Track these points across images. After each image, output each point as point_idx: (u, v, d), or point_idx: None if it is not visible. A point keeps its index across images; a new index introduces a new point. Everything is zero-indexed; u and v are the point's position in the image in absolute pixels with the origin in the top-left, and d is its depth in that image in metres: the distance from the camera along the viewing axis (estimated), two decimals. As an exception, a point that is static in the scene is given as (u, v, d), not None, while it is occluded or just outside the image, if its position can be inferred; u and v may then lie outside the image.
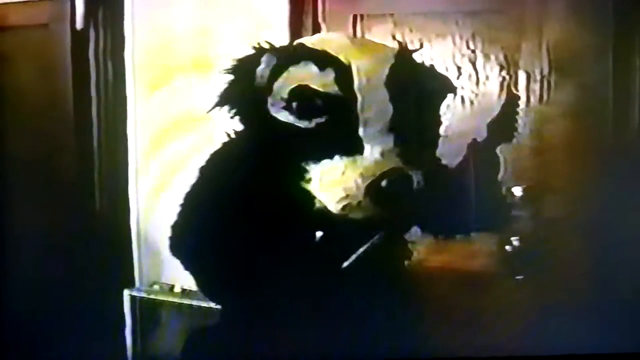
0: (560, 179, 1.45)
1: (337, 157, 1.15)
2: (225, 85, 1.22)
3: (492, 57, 1.44)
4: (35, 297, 1.53)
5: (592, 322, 1.39)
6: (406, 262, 1.33)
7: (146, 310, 1.54)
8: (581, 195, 1.44)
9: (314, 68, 1.15)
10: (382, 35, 1.46)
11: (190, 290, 1.48)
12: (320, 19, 1.50)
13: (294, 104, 1.15)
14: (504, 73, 1.44)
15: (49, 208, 1.56)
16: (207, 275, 1.31)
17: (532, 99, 1.43)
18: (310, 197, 1.16)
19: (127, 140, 1.55)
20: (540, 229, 1.44)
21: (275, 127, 1.17)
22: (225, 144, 1.27)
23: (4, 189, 1.55)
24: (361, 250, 1.24)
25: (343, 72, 1.15)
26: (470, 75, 1.44)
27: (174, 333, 1.50)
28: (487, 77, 1.45)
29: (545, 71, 1.43)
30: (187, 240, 1.29)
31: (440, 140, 1.27)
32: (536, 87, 1.43)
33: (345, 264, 1.25)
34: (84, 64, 1.58)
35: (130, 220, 1.54)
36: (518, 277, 1.43)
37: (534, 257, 1.43)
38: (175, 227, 1.29)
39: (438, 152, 1.26)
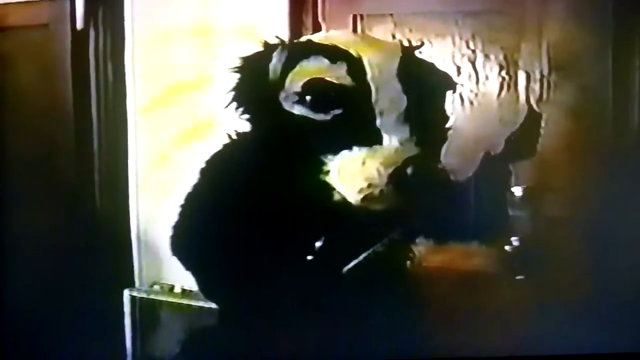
0: (560, 179, 1.44)
1: (355, 148, 1.15)
2: (235, 83, 1.23)
3: (492, 57, 1.44)
4: (35, 297, 1.53)
5: (592, 322, 1.39)
6: (408, 263, 1.33)
7: (146, 310, 1.54)
8: (581, 196, 1.44)
9: (325, 61, 1.16)
10: (382, 35, 1.47)
11: (191, 291, 1.48)
12: (320, 18, 1.50)
13: (308, 97, 1.16)
14: (503, 73, 1.44)
15: (49, 208, 1.56)
16: (208, 275, 1.31)
17: (531, 98, 1.43)
18: (328, 190, 1.17)
19: (127, 140, 1.55)
20: (540, 229, 1.44)
21: (289, 121, 1.18)
22: (226, 145, 1.28)
23: (4, 189, 1.55)
24: (362, 256, 1.25)
25: (355, 64, 1.15)
26: (470, 75, 1.45)
27: (174, 333, 1.50)
28: (486, 77, 1.45)
29: (545, 71, 1.43)
30: (188, 240, 1.29)
31: (451, 146, 1.27)
32: (536, 87, 1.43)
33: (347, 267, 1.25)
34: (84, 64, 1.58)
35: (130, 220, 1.54)
36: (518, 278, 1.42)
37: (533, 257, 1.43)
38: (176, 227, 1.30)
39: (448, 165, 1.27)
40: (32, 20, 1.59)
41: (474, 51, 1.44)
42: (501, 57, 1.44)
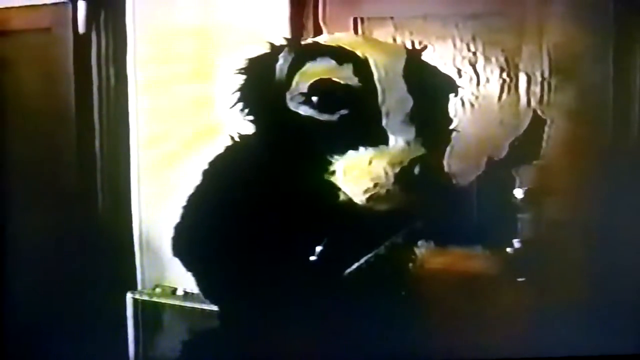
0: (562, 181, 1.45)
1: (362, 148, 1.16)
2: (241, 84, 1.23)
3: (493, 59, 1.45)
4: (37, 299, 1.53)
5: (594, 323, 1.39)
6: (410, 265, 1.33)
7: (149, 313, 1.54)
8: (583, 198, 1.44)
9: (332, 62, 1.17)
10: (383, 38, 1.47)
11: (193, 293, 1.48)
12: (321, 22, 1.50)
13: (315, 98, 1.17)
14: (504, 75, 1.45)
15: (52, 211, 1.56)
16: (208, 276, 1.31)
17: (532, 101, 1.44)
18: (333, 190, 1.17)
19: (129, 143, 1.55)
20: (542, 231, 1.44)
21: (295, 121, 1.19)
22: (229, 147, 1.28)
23: (7, 192, 1.56)
24: (364, 259, 1.25)
25: (362, 65, 1.16)
26: (471, 78, 1.45)
27: (177, 336, 1.50)
28: (487, 80, 1.45)
29: (546, 73, 1.43)
30: (190, 241, 1.30)
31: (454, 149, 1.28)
32: (537, 89, 1.44)
33: (349, 269, 1.25)
34: (86, 68, 1.58)
35: (132, 223, 1.54)
36: (520, 279, 1.43)
37: (535, 259, 1.43)
38: (178, 228, 1.30)
39: (451, 168, 1.28)
40: (35, 24, 1.59)
41: (474, 54, 1.45)
42: (502, 59, 1.44)
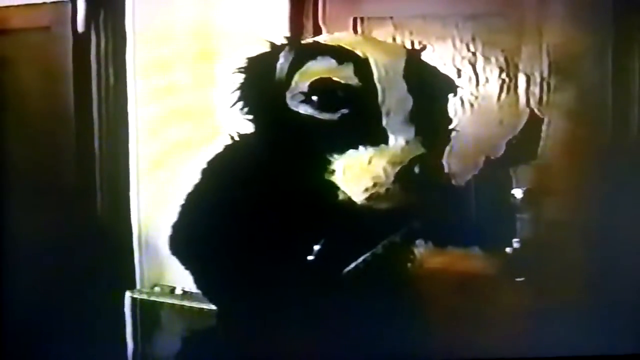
0: (561, 182, 1.45)
1: (362, 148, 1.16)
2: (241, 83, 1.23)
3: (492, 59, 1.45)
4: (35, 299, 1.53)
5: (594, 323, 1.39)
6: (408, 265, 1.33)
7: (147, 312, 1.54)
8: (582, 198, 1.44)
9: (332, 62, 1.17)
10: (383, 37, 1.47)
11: (191, 292, 1.48)
12: (320, 21, 1.50)
13: (315, 97, 1.17)
14: (504, 75, 1.45)
15: (50, 210, 1.56)
16: (206, 274, 1.31)
17: (532, 101, 1.44)
18: (332, 190, 1.17)
19: (128, 142, 1.55)
20: (541, 231, 1.44)
21: (295, 121, 1.19)
22: (228, 145, 1.28)
23: (5, 191, 1.55)
24: (362, 258, 1.25)
25: (362, 65, 1.17)
26: (470, 78, 1.45)
27: (175, 335, 1.50)
28: (487, 80, 1.45)
29: (545, 73, 1.43)
30: (188, 239, 1.30)
31: (452, 149, 1.28)
32: (536, 89, 1.44)
33: (348, 268, 1.25)
34: (85, 67, 1.58)
35: (131, 222, 1.54)
36: (518, 279, 1.43)
37: (534, 259, 1.43)
38: (176, 226, 1.30)
39: (449, 168, 1.28)
40: (34, 23, 1.59)
41: (474, 54, 1.45)
42: (501, 59, 1.45)
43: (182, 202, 1.31)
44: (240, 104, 1.25)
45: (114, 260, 1.53)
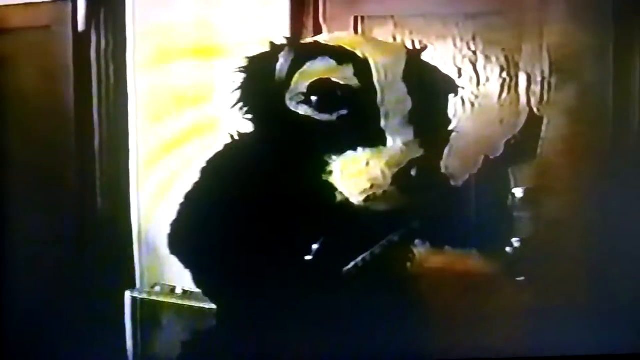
0: (561, 181, 1.45)
1: (360, 149, 1.16)
2: (241, 82, 1.23)
3: (493, 58, 1.45)
4: (36, 298, 1.53)
5: (593, 323, 1.39)
6: (408, 264, 1.33)
7: (147, 311, 1.54)
8: (582, 197, 1.44)
9: (332, 62, 1.17)
10: (383, 37, 1.47)
11: (191, 292, 1.48)
12: (321, 20, 1.50)
13: (314, 98, 1.17)
14: (504, 75, 1.44)
15: (50, 209, 1.56)
16: (206, 273, 1.31)
17: (532, 100, 1.44)
18: (330, 190, 1.17)
19: (128, 141, 1.55)
20: (541, 231, 1.44)
21: (294, 121, 1.19)
22: (228, 145, 1.28)
23: (5, 190, 1.56)
24: (361, 257, 1.25)
25: (362, 66, 1.17)
26: (471, 77, 1.45)
27: (175, 334, 1.50)
28: (487, 79, 1.45)
29: (546, 73, 1.43)
30: (187, 238, 1.30)
31: (452, 149, 1.28)
32: (537, 88, 1.44)
33: (346, 267, 1.25)
34: (85, 66, 1.58)
35: (131, 221, 1.54)
36: (519, 279, 1.43)
37: (534, 259, 1.43)
38: (175, 225, 1.30)
39: (448, 168, 1.27)
40: (34, 22, 1.59)
41: (474, 53, 1.45)
42: (502, 58, 1.44)
43: (182, 201, 1.31)
44: (240, 103, 1.25)
45: (114, 259, 1.53)
